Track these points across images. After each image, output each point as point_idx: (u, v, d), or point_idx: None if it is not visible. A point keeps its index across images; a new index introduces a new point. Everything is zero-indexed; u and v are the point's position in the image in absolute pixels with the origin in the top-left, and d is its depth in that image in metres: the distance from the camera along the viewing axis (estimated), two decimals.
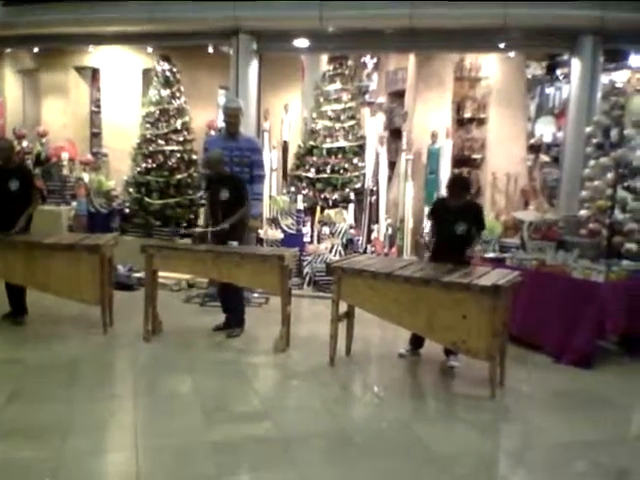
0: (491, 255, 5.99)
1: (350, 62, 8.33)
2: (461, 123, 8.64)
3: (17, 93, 9.87)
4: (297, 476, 3.20)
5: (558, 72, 9.00)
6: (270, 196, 7.95)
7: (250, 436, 3.64)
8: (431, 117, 8.35)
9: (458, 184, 5.03)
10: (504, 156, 8.26)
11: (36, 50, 8.99)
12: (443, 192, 7.76)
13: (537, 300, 5.25)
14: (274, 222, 7.88)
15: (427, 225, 7.89)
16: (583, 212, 6.44)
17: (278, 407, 4.14)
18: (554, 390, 4.62)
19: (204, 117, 8.83)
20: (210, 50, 7.94)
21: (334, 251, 7.63)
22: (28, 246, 5.44)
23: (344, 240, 7.73)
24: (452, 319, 4.28)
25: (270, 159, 8.07)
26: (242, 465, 3.34)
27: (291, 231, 7.83)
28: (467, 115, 8.58)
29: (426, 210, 8.03)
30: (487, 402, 4.23)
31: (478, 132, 8.58)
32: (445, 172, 8.05)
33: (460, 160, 8.48)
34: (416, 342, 5.11)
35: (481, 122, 8.56)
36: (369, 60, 9.77)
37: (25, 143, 8.87)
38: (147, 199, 8.10)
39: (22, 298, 5.76)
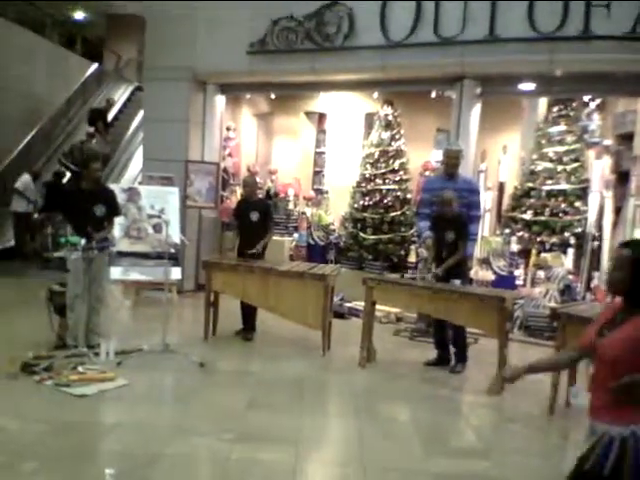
0: None
1: (575, 103, 8.07)
2: None
3: (252, 134, 11.01)
4: None
5: None
6: (482, 236, 7.93)
7: (469, 472, 3.68)
8: None
9: None
10: None
11: (272, 96, 9.98)
12: None
13: None
14: (485, 263, 7.83)
15: None
16: None
17: (496, 447, 4.12)
18: None
19: (420, 158, 9.11)
20: (433, 94, 8.17)
21: (549, 296, 7.33)
22: (264, 271, 6.05)
23: (561, 285, 7.39)
24: None
25: (484, 200, 8.07)
26: None
27: (503, 273, 7.71)
28: None
29: None
30: None
31: None
32: None
33: None
34: None
35: None
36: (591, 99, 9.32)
37: (258, 179, 9.86)
38: (362, 234, 8.57)
39: (254, 317, 6.42)
